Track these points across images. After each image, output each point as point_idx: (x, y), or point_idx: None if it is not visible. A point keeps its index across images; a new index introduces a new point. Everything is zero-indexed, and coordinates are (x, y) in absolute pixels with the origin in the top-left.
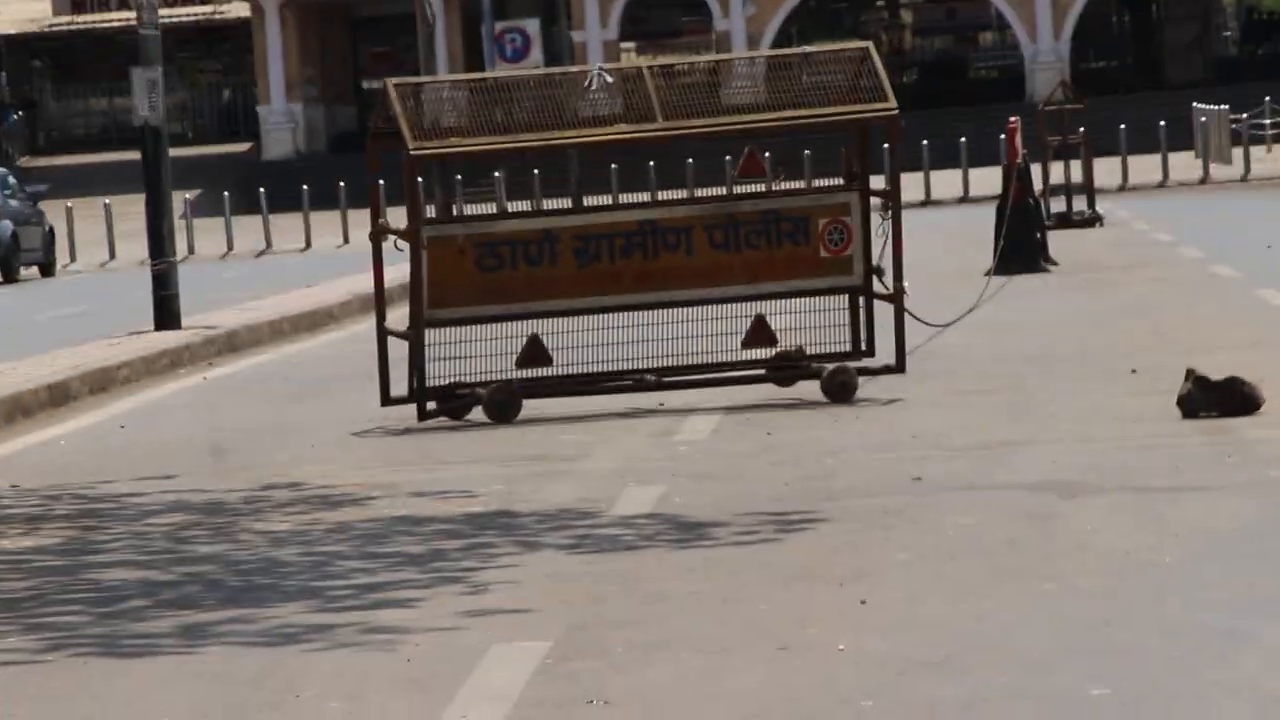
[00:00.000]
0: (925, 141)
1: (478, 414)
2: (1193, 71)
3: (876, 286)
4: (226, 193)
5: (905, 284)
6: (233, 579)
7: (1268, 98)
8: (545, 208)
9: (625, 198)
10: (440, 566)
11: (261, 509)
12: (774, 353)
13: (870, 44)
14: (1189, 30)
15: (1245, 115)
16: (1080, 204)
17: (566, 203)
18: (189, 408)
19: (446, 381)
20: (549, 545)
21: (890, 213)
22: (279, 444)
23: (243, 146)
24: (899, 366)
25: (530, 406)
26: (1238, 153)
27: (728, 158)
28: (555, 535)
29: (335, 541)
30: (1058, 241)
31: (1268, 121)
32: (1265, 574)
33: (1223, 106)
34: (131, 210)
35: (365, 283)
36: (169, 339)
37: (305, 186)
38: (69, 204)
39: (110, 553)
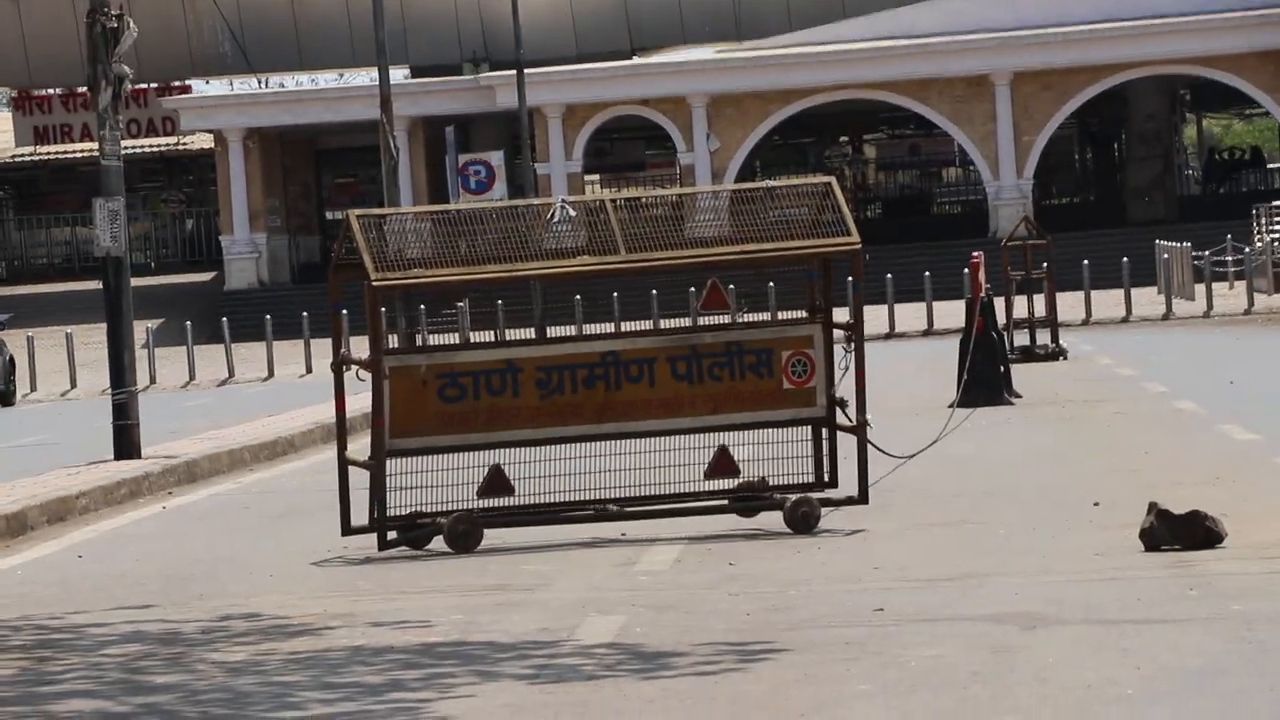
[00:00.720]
0: (889, 275)
1: (439, 544)
2: (1155, 209)
3: (840, 418)
4: (189, 322)
5: (868, 416)
6: (189, 710)
7: (1229, 235)
8: (508, 338)
9: (589, 329)
10: (398, 697)
11: (218, 639)
12: (737, 483)
13: (833, 179)
14: (1151, 169)
15: (1207, 252)
16: (1044, 338)
17: (530, 333)
18: (148, 538)
19: (407, 511)
20: (508, 675)
21: (853, 345)
22: (238, 574)
23: (206, 276)
24: (862, 498)
25: (492, 536)
26: (1200, 289)
27: (691, 289)
28: (514, 665)
29: (292, 671)
30: (1022, 375)
31: (1229, 259)
32: (1229, 709)
33: (1185, 244)
34: (93, 339)
35: (327, 412)
36: (128, 468)
37: (268, 316)
38: (30, 333)
39: (65, 683)
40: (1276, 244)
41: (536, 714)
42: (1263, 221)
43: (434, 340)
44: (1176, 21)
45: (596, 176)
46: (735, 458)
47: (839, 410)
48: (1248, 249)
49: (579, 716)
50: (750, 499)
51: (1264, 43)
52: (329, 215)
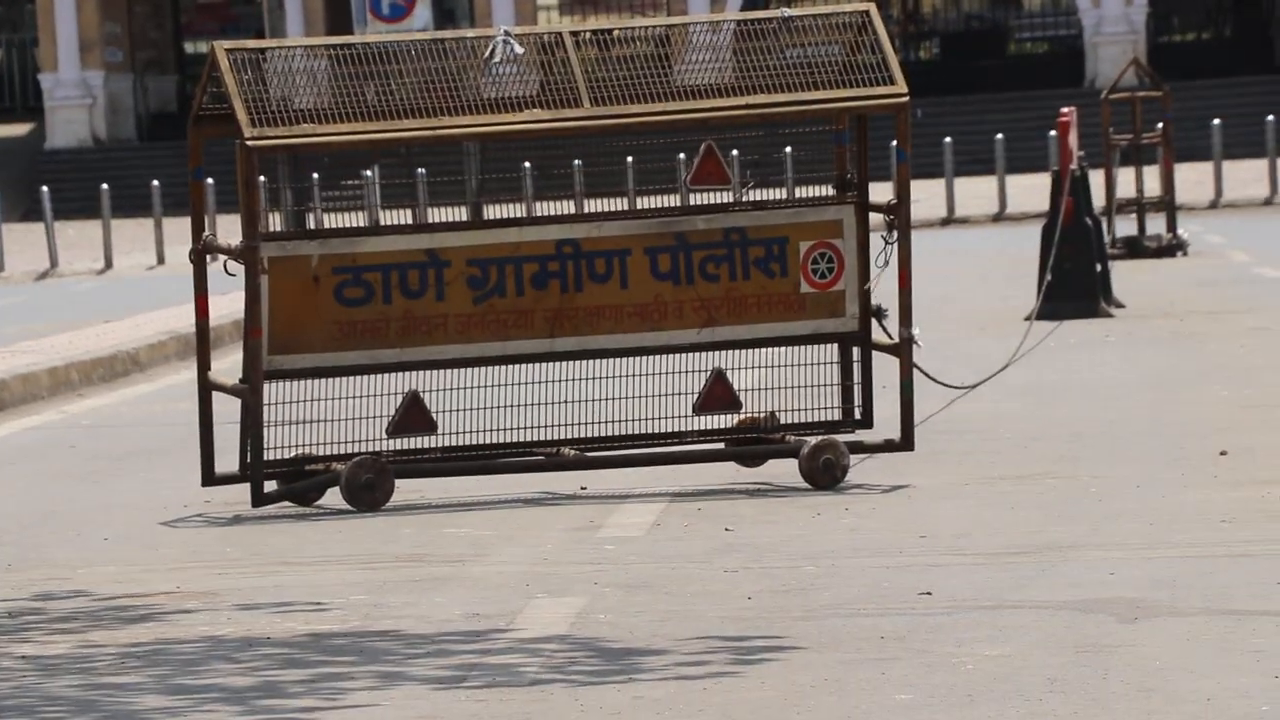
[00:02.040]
0: (948, 139)
1: (334, 497)
2: None
3: (877, 333)
4: None
5: (915, 331)
6: None
7: None
8: (431, 220)
9: (540, 209)
10: (272, 706)
11: (30, 625)
12: (737, 420)
13: (873, 5)
14: None
15: None
16: (1157, 225)
17: (461, 214)
18: None
19: (292, 454)
20: (422, 677)
21: (896, 234)
22: (60, 537)
23: (20, 129)
24: (905, 442)
25: (405, 488)
26: None
27: (680, 157)
28: (432, 663)
29: (130, 670)
30: (1125, 276)
31: None
32: None
33: None
34: None
35: (185, 318)
36: None
37: (105, 185)
38: None
39: None
40: None
41: None
42: None
43: (330, 222)
44: None
45: (554, 0)
46: (735, 386)
47: (876, 322)
48: None
49: None
50: (755, 442)
51: None
52: (189, 48)
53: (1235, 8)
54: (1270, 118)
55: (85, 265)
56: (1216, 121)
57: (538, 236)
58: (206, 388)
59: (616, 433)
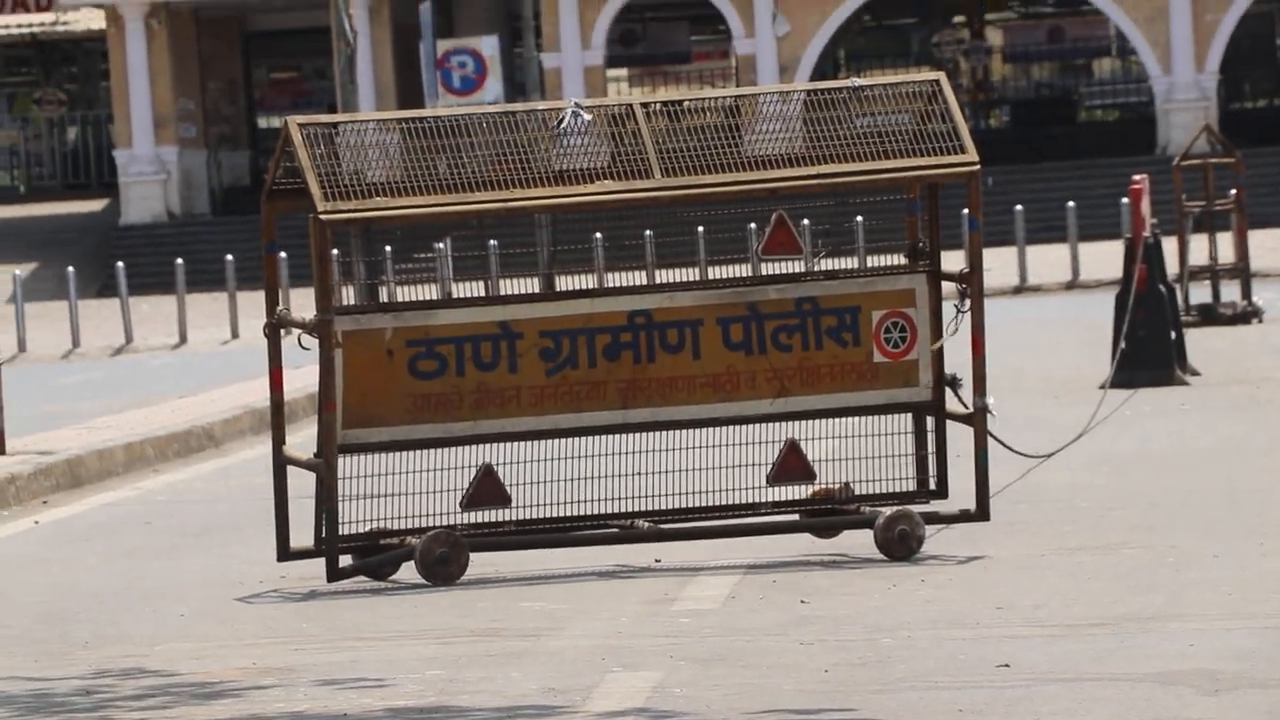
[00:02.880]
0: (1019, 207)
1: (408, 572)
2: None
3: (951, 403)
4: (72, 268)
5: (990, 400)
6: None
7: None
8: (504, 293)
9: (612, 280)
10: None
11: (107, 703)
12: (811, 491)
13: (943, 74)
14: None
15: None
16: (1232, 292)
17: (533, 285)
18: (14, 563)
19: (367, 528)
20: None
21: (969, 302)
22: (136, 613)
23: (95, 205)
24: (980, 513)
25: (479, 562)
26: None
27: (751, 227)
28: None
29: None
30: (1200, 343)
31: None
32: None
33: None
34: None
35: (259, 392)
36: None
37: (179, 260)
38: None
39: None
40: None
41: None
42: None
43: (403, 295)
44: None
45: (624, 71)
46: (809, 456)
47: (950, 392)
48: None
49: None
50: (830, 513)
51: None
52: (263, 123)
53: None
54: None
55: (160, 340)
56: None
57: (610, 308)
58: (281, 462)
59: (690, 504)
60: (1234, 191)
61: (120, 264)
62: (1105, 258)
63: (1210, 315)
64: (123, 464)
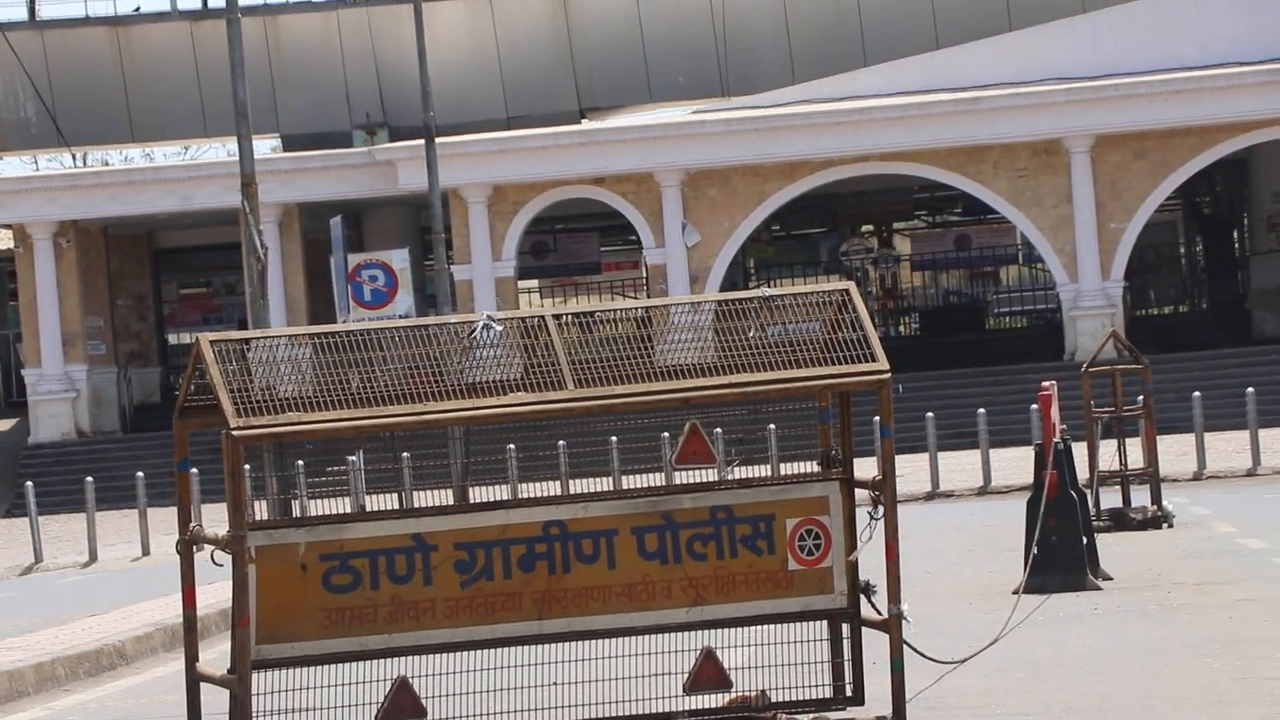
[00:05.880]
0: (930, 414)
1: None
2: None
3: (866, 609)
4: None
5: (905, 606)
6: None
7: None
8: (417, 504)
9: (526, 490)
10: None
11: None
12: (728, 700)
13: (852, 284)
14: None
15: None
16: (1142, 498)
17: (447, 497)
18: None
19: None
20: None
21: (882, 509)
22: None
23: (4, 425)
24: (897, 719)
25: None
26: None
27: (665, 435)
28: None
29: None
30: (1111, 548)
31: None
32: None
33: None
34: None
35: (172, 609)
36: None
37: (89, 478)
38: None
39: None
40: None
41: None
42: None
43: (316, 508)
44: None
45: (535, 282)
46: (725, 664)
47: (864, 598)
48: None
49: None
50: None
51: None
52: (173, 338)
53: (1210, 282)
54: (1250, 390)
55: (69, 559)
56: (1196, 394)
57: (524, 519)
58: (194, 680)
59: (607, 714)
60: (1141, 398)
61: (29, 483)
62: (1016, 463)
63: (1121, 520)
64: (33, 684)
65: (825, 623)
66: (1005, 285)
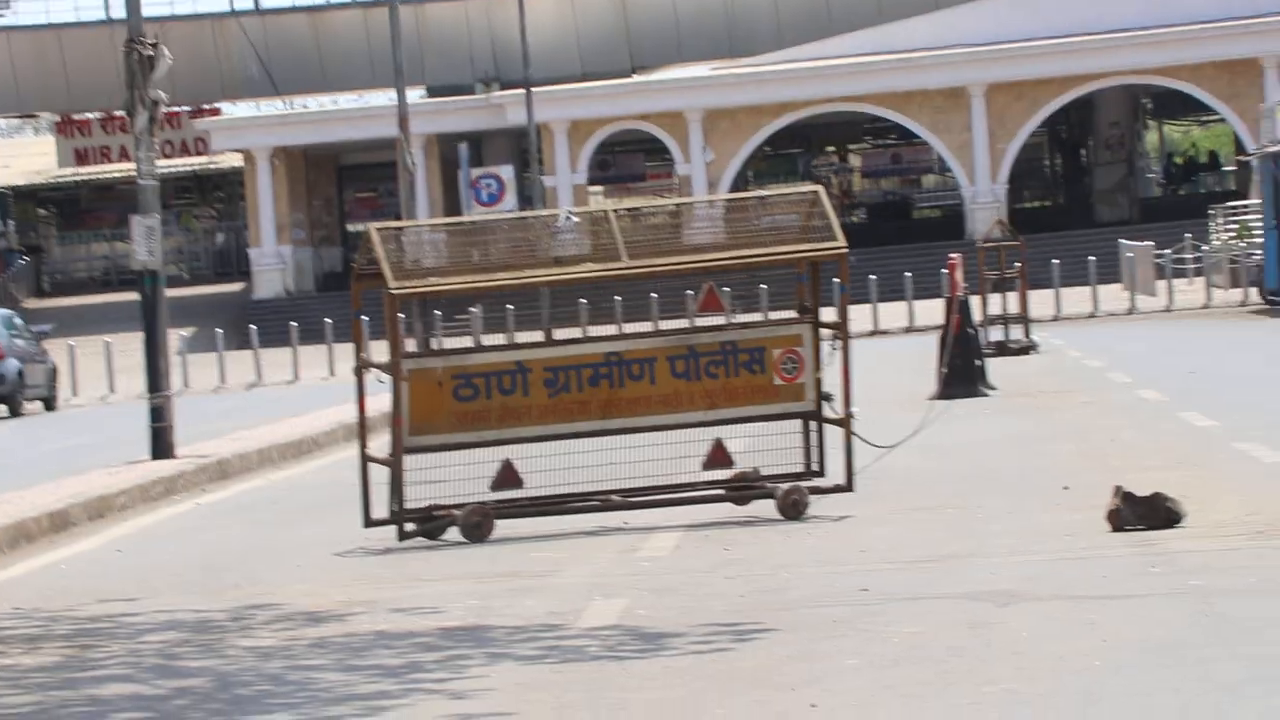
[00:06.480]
0: (873, 277)
1: (454, 534)
2: (1119, 211)
3: (827, 411)
4: (220, 330)
5: (854, 409)
6: (221, 692)
7: (1188, 234)
8: (518, 341)
9: (593, 331)
10: (417, 678)
11: (249, 626)
12: (732, 474)
13: (820, 187)
14: (1116, 173)
15: (1168, 251)
16: (1016, 333)
17: (538, 336)
18: (182, 532)
19: (425, 504)
20: (519, 656)
21: (840, 343)
22: (267, 565)
23: (235, 287)
24: (848, 486)
25: (503, 527)
26: (1162, 285)
27: (689, 293)
28: (525, 647)
29: (318, 655)
30: (996, 368)
31: (1189, 256)
32: (1189, 677)
33: (1147, 243)
34: (130, 347)
35: (349, 413)
36: (164, 468)
37: (294, 323)
38: (71, 342)
39: (106, 669)
40: (1231, 242)
41: (545, 691)
42: (1219, 221)
43: (449, 344)
44: (1140, 34)
45: (600, 188)
46: (730, 450)
47: (826, 404)
48: (1205, 247)
49: (585, 693)
50: (744, 488)
51: (1220, 53)
52: (350, 228)
53: (1066, 184)
54: (1091, 258)
55: (280, 379)
56: (1055, 261)
57: (591, 350)
58: (365, 460)
59: (649, 484)
60: (1018, 264)
61: (253, 326)
62: (931, 311)
63: (1003, 349)
64: (256, 463)
65: (799, 421)
66: (925, 188)
